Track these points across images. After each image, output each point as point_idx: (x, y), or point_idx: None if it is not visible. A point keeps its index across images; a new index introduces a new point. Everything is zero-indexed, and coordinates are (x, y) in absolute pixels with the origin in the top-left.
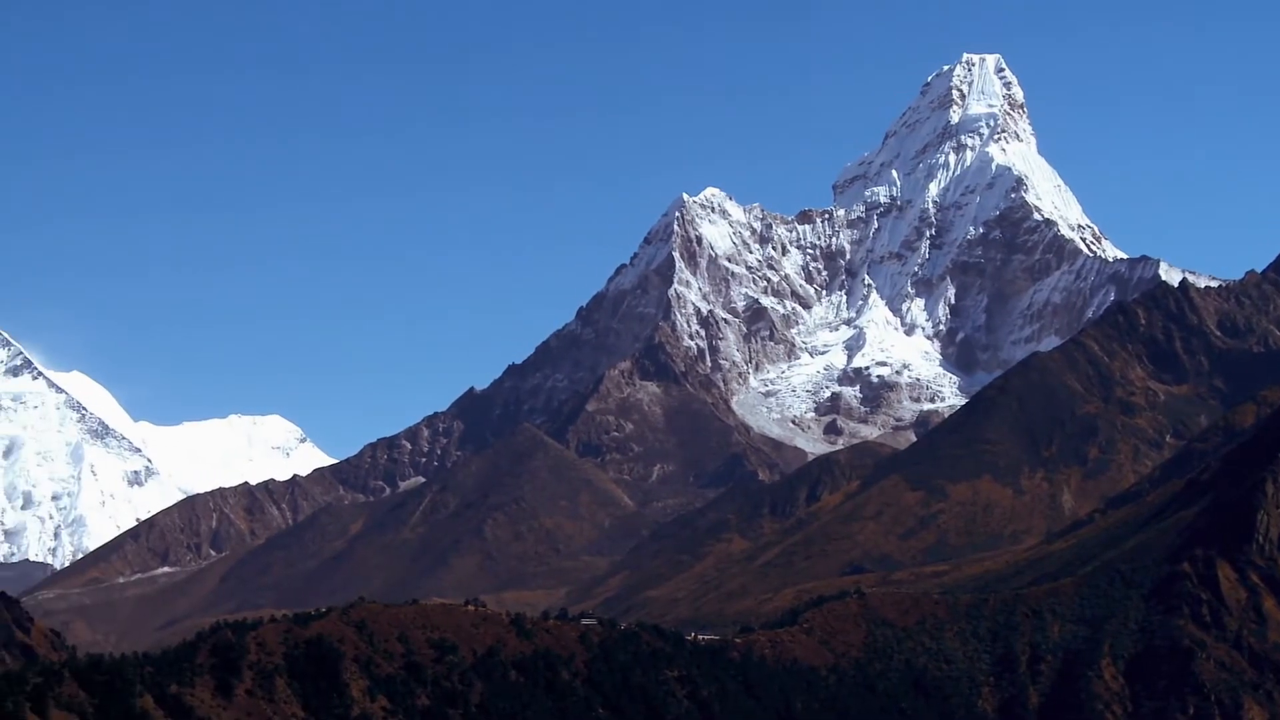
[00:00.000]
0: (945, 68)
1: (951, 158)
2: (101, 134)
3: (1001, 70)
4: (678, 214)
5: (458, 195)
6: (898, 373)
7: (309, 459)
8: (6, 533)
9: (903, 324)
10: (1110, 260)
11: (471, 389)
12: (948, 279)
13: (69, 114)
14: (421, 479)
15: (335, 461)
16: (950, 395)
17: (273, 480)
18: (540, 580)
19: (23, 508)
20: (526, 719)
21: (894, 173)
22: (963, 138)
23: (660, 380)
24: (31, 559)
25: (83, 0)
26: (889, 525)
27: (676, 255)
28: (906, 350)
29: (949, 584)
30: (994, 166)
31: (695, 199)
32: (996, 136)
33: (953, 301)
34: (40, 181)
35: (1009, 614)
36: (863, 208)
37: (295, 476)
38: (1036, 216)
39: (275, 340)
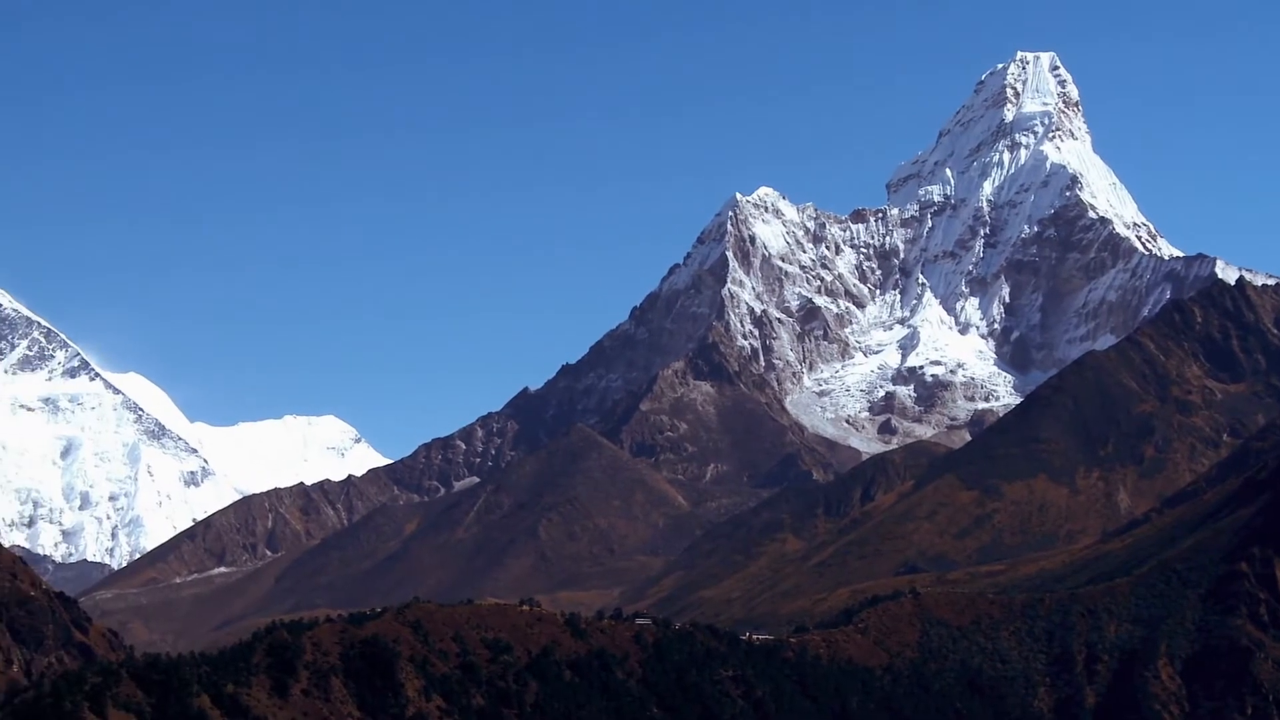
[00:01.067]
0: (999, 66)
1: (1006, 156)
2: (158, 134)
3: (1056, 68)
4: (731, 213)
5: (513, 196)
6: (952, 372)
7: (364, 459)
8: (65, 533)
9: (957, 323)
10: (1166, 258)
11: (525, 389)
12: (1002, 277)
13: (127, 115)
14: (476, 479)
15: (390, 462)
16: (1005, 394)
17: (328, 481)
18: (594, 580)
19: (80, 508)
20: (581, 719)
21: (948, 171)
22: (1017, 136)
23: (714, 380)
24: (89, 559)
25: (133, 0)
26: (943, 525)
27: (730, 255)
28: (961, 349)
29: (1004, 584)
30: (1048, 165)
31: (749, 198)
32: (1051, 134)
33: (1007, 300)
34: (97, 183)
35: (1065, 614)
36: (916, 206)
37: (350, 477)
38: (1091, 214)
39: (330, 341)
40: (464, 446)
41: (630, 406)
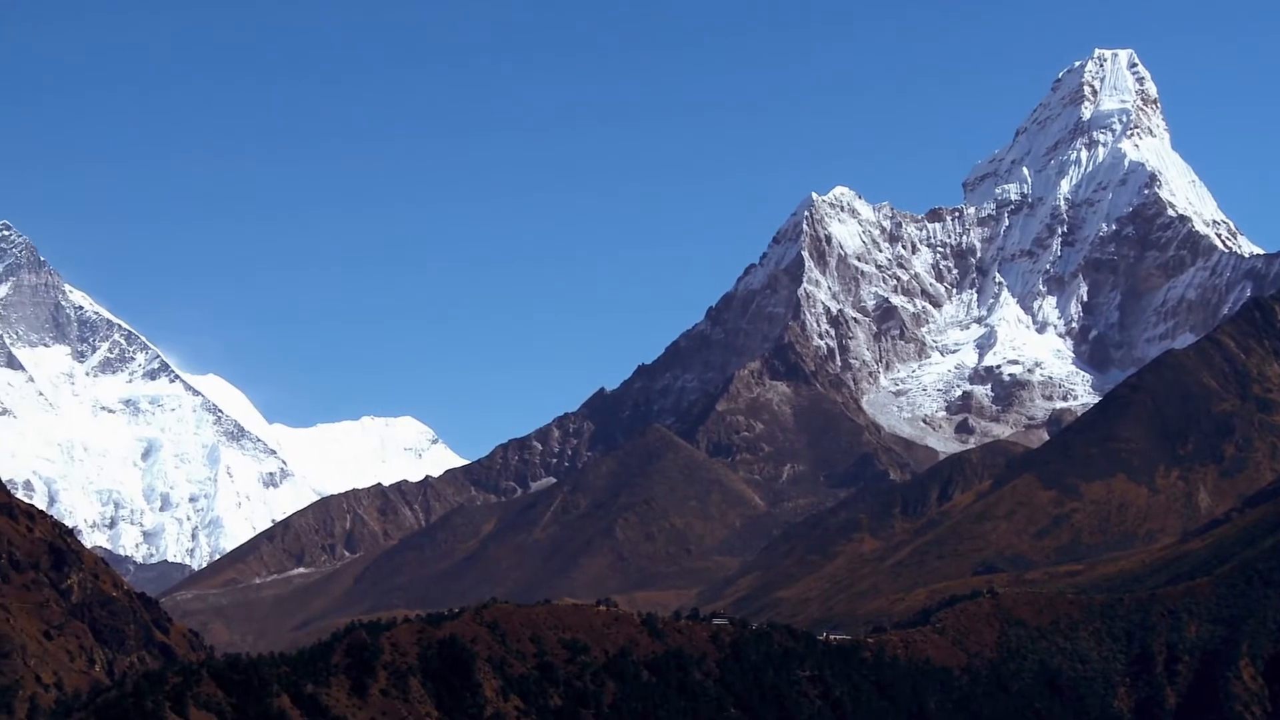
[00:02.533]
0: (1077, 63)
1: (1083, 154)
2: (237, 135)
3: (1134, 65)
4: (807, 213)
5: (590, 196)
6: (1029, 371)
7: (441, 460)
8: (145, 534)
9: (1034, 322)
10: (1246, 256)
11: (602, 389)
12: (1080, 276)
13: (206, 116)
14: (552, 480)
15: (467, 462)
16: (1083, 393)
17: (405, 481)
18: (671, 580)
19: (161, 509)
20: (658, 719)
21: (1025, 170)
22: (1095, 134)
23: (790, 380)
24: (170, 560)
25: (219, 0)
26: (1022, 524)
27: (806, 254)
28: (1038, 348)
29: (1083, 584)
30: (1127, 162)
31: (824, 198)
32: (1129, 132)
33: (1085, 299)
34: (177, 185)
35: (1145, 614)
36: (993, 205)
37: (428, 477)
38: (1170, 212)
39: (407, 342)
40: (540, 447)
41: (706, 407)
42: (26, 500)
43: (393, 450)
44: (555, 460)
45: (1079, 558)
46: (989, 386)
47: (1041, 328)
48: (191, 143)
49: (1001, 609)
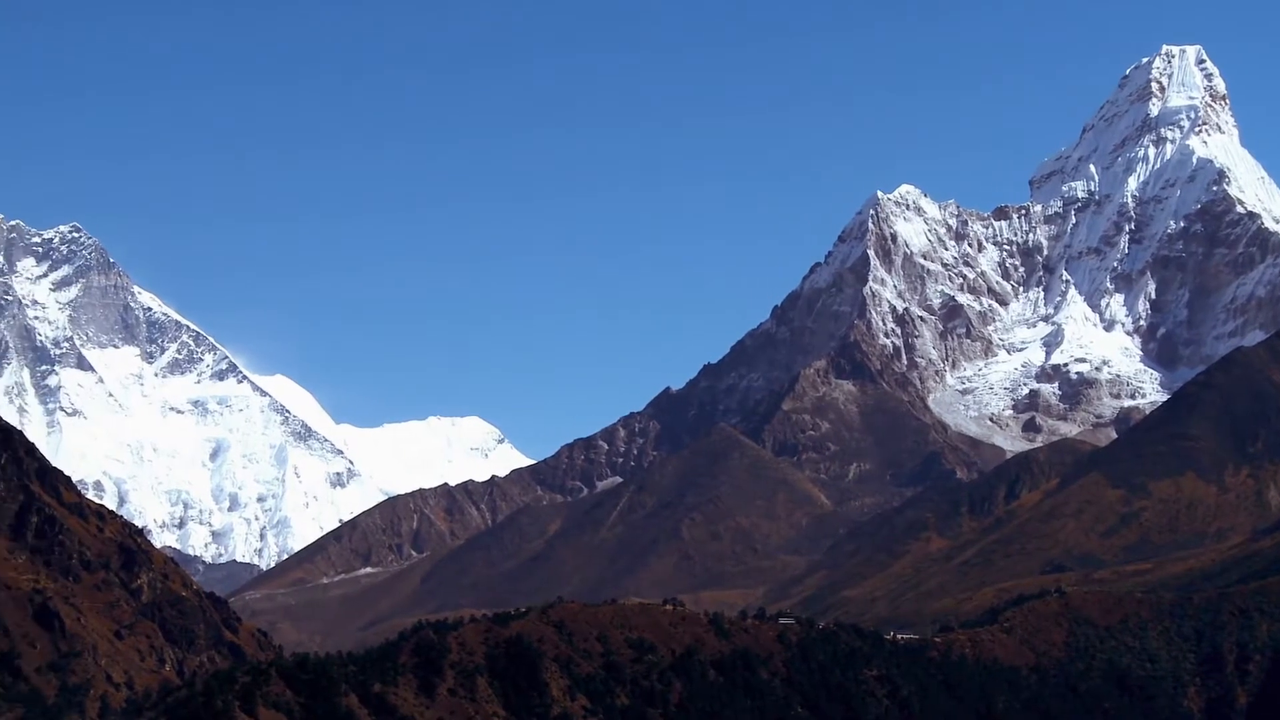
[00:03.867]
0: (1144, 60)
1: (1151, 151)
2: (305, 135)
3: (1202, 61)
4: (872, 212)
5: (654, 195)
6: (1097, 369)
7: (507, 460)
8: (214, 534)
9: (1102, 320)
10: None
11: (667, 389)
12: (1148, 274)
13: (273, 117)
14: (618, 479)
15: (533, 462)
16: (1151, 391)
17: (472, 481)
18: (737, 580)
19: (229, 509)
20: (725, 718)
21: (1092, 167)
22: (1162, 130)
23: (856, 379)
24: (238, 560)
25: (275, 1)
26: (1090, 523)
27: (871, 253)
28: (1106, 346)
29: (1152, 582)
30: (1195, 159)
31: (890, 196)
32: (1197, 129)
33: (1153, 297)
34: (243, 186)
35: (1215, 613)
36: (1060, 203)
37: (494, 477)
38: (1239, 210)
39: (474, 342)
40: (606, 447)
41: (772, 406)
42: (97, 501)
43: (459, 450)
44: (621, 460)
45: (1147, 556)
46: (1056, 385)
47: (1109, 326)
48: (260, 143)
49: (1070, 608)
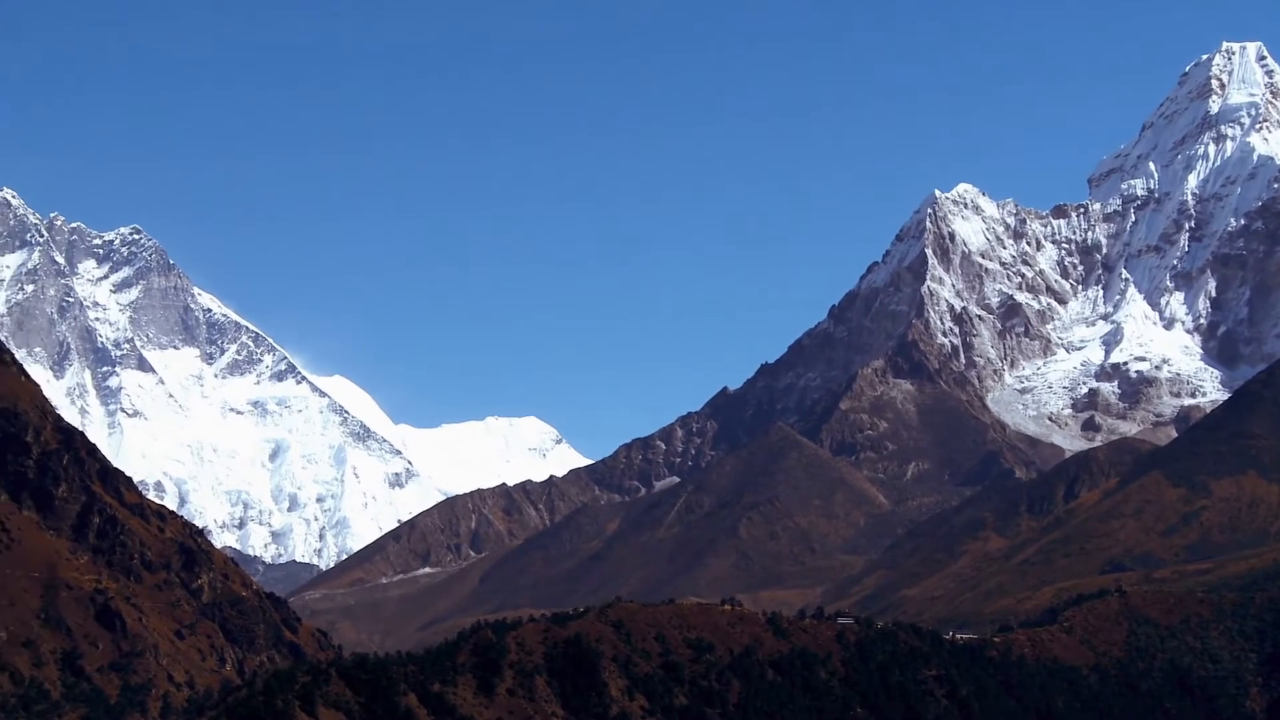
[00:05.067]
0: (1204, 57)
1: (1211, 148)
2: (362, 137)
3: (1263, 58)
4: (930, 210)
5: (712, 196)
6: (1157, 368)
7: (565, 460)
8: (274, 534)
9: (1161, 318)
10: None
11: (725, 389)
12: (1208, 272)
13: (332, 118)
14: (676, 479)
15: (591, 462)
16: (1212, 390)
17: (530, 481)
18: (796, 579)
19: (289, 510)
20: (784, 718)
21: (1151, 165)
22: (1223, 128)
23: (914, 378)
24: (298, 560)
25: (330, 3)
26: (1150, 523)
27: (929, 252)
28: (1166, 345)
29: (1213, 582)
30: (1255, 156)
31: (948, 195)
32: (1258, 126)
33: (1213, 295)
34: (302, 187)
35: (1277, 612)
36: (1119, 201)
37: (552, 477)
38: None
39: (532, 342)
40: (664, 446)
41: (830, 405)
42: (158, 501)
43: (517, 450)
44: (679, 460)
45: (1208, 556)
46: (1116, 383)
47: (1169, 324)
48: (320, 144)
49: (1130, 608)
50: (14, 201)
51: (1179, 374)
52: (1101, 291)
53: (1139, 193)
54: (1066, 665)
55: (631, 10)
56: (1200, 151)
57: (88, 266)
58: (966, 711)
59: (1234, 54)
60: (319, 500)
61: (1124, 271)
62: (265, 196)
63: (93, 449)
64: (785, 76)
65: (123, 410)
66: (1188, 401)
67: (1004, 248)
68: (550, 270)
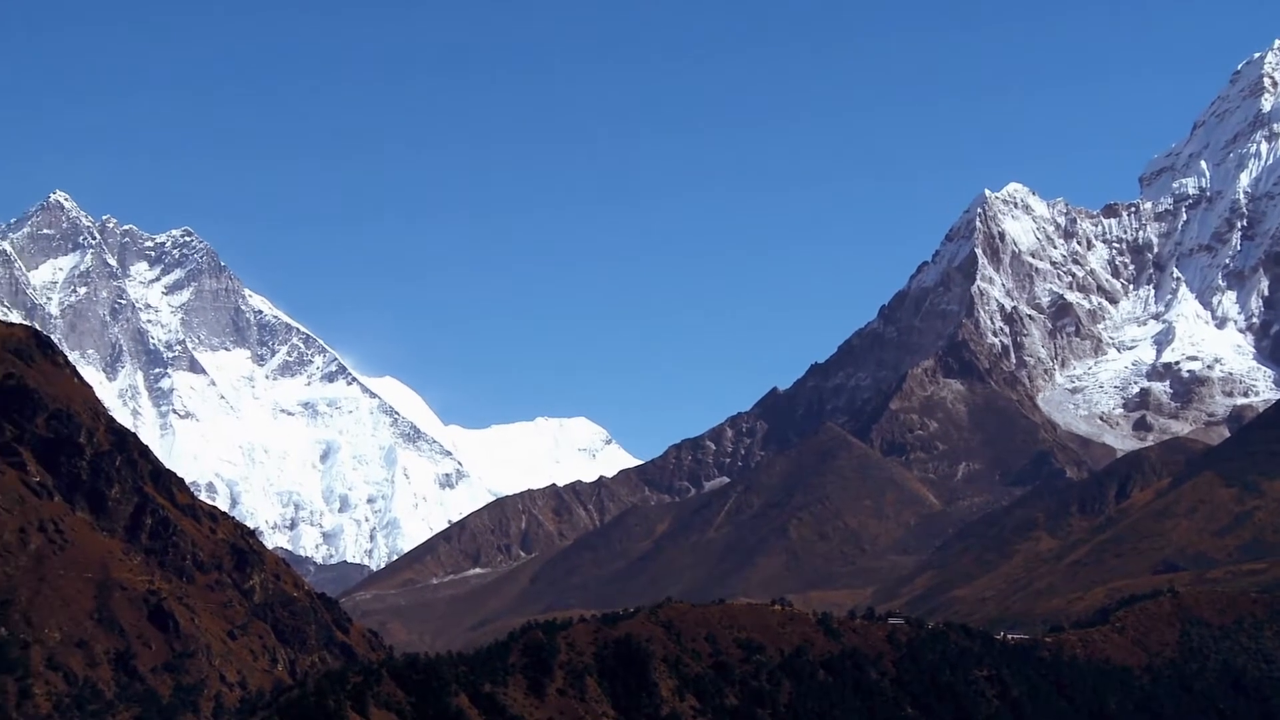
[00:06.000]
0: (1256, 55)
1: (1263, 147)
2: (411, 138)
3: None
4: (980, 210)
5: (761, 196)
6: (1209, 367)
7: (614, 460)
8: (325, 535)
9: (1213, 317)
10: None
11: (774, 389)
12: (1260, 271)
13: (382, 118)
14: (726, 479)
15: (640, 462)
16: (1265, 389)
17: (579, 482)
18: (846, 579)
19: (340, 510)
20: (835, 718)
21: (1203, 163)
22: (1275, 126)
23: (964, 378)
24: (349, 561)
25: (383, 1)
26: (1202, 522)
27: (979, 252)
28: (1218, 344)
29: (1266, 582)
30: None
31: (997, 195)
32: None
33: (1266, 294)
34: (352, 188)
35: None
36: (1170, 200)
37: (602, 478)
38: None
39: (581, 343)
40: (714, 447)
41: (880, 405)
42: (209, 502)
43: (567, 451)
44: (729, 460)
45: (1261, 556)
46: (1167, 383)
47: (1221, 323)
48: (368, 145)
49: (1183, 608)
50: (67, 204)
51: (1231, 373)
52: (1153, 291)
53: (1190, 191)
54: (1119, 666)
55: (692, 10)
56: (1252, 150)
57: (139, 269)
58: (1018, 712)
59: None
60: (369, 501)
61: (1175, 270)
62: (316, 197)
63: (145, 450)
64: (837, 77)
65: (174, 412)
66: (1240, 401)
67: (1054, 247)
68: (600, 270)
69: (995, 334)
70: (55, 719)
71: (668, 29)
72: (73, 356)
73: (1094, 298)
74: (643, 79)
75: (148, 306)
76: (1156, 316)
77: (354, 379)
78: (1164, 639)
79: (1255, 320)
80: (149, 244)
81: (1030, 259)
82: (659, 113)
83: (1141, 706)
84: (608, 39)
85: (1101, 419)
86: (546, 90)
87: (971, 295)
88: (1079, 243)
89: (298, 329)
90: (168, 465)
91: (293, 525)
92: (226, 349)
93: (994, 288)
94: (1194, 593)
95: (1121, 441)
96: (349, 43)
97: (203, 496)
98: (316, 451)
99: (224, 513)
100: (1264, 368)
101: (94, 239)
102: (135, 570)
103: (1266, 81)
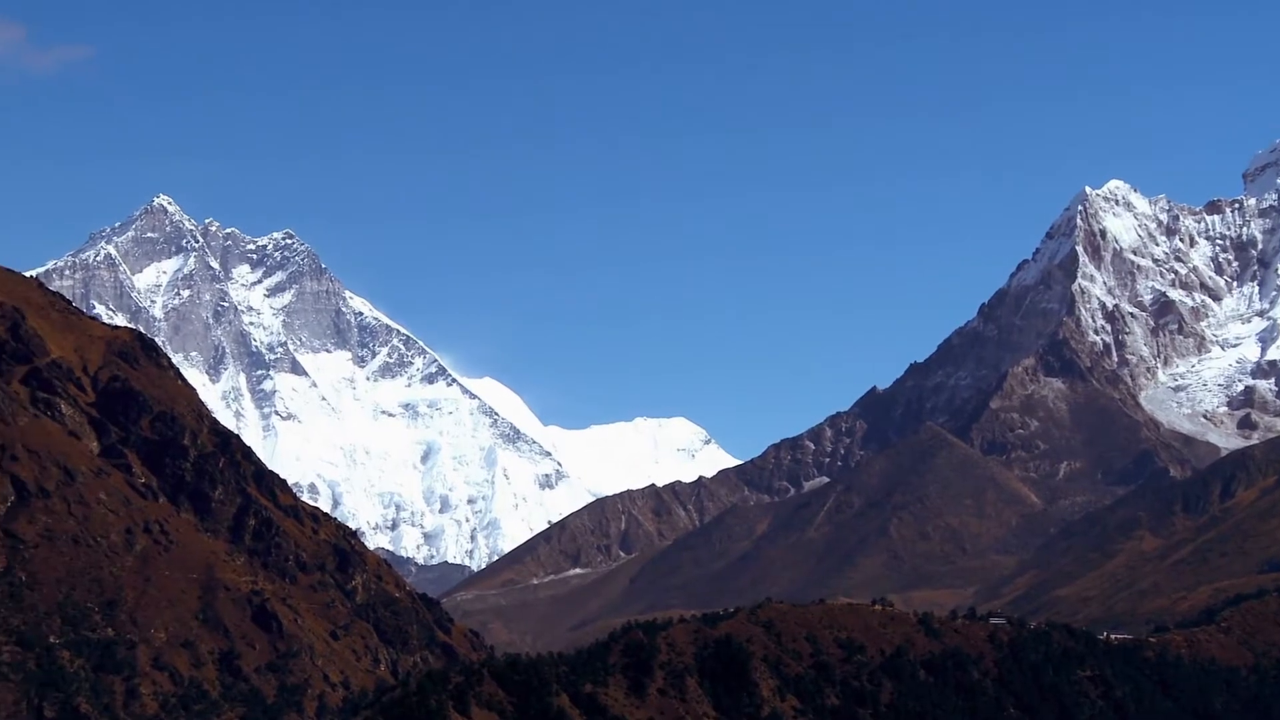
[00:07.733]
0: None
1: None
2: (509, 138)
3: None
4: (1081, 207)
5: (861, 194)
6: None
7: (714, 460)
8: (426, 535)
9: None
10: None
11: (874, 388)
12: None
13: (480, 118)
14: (825, 479)
15: (740, 463)
16: None
17: (679, 482)
18: (947, 579)
19: (440, 511)
20: (936, 718)
21: None
22: None
23: (1065, 376)
24: (450, 561)
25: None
26: None
27: (1080, 249)
28: None
29: None
30: None
31: (1098, 192)
32: None
33: None
34: (451, 189)
35: None
36: (1275, 196)
37: (701, 478)
38: None
39: (680, 343)
40: (813, 446)
41: (980, 404)
42: (312, 503)
43: (666, 451)
44: (828, 460)
45: None
46: (1272, 380)
47: None
48: (468, 145)
49: None
50: (170, 208)
51: None
52: (1257, 288)
53: None
54: (1224, 666)
55: (783, 7)
56: None
57: (242, 271)
58: (1122, 712)
59: None
60: (470, 502)
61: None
62: (415, 199)
63: (248, 452)
64: (939, 75)
65: (277, 413)
66: None
67: (1156, 244)
68: (699, 269)
69: (1097, 332)
70: (162, 719)
71: (767, 27)
72: (176, 359)
73: (1197, 295)
74: (726, 76)
75: (250, 309)
76: (1261, 313)
77: (454, 380)
78: (1271, 639)
79: None
80: (251, 247)
81: (1132, 256)
82: (755, 110)
83: (1248, 707)
84: (691, 37)
85: (1205, 417)
86: (635, 87)
87: (1073, 293)
88: (1181, 239)
89: (398, 330)
90: (270, 467)
91: (394, 526)
92: (328, 351)
93: (1095, 285)
94: None
95: (1226, 440)
96: (452, 42)
97: (304, 498)
98: (417, 452)
99: (326, 514)
100: None
101: (197, 242)
102: (239, 571)
103: None
